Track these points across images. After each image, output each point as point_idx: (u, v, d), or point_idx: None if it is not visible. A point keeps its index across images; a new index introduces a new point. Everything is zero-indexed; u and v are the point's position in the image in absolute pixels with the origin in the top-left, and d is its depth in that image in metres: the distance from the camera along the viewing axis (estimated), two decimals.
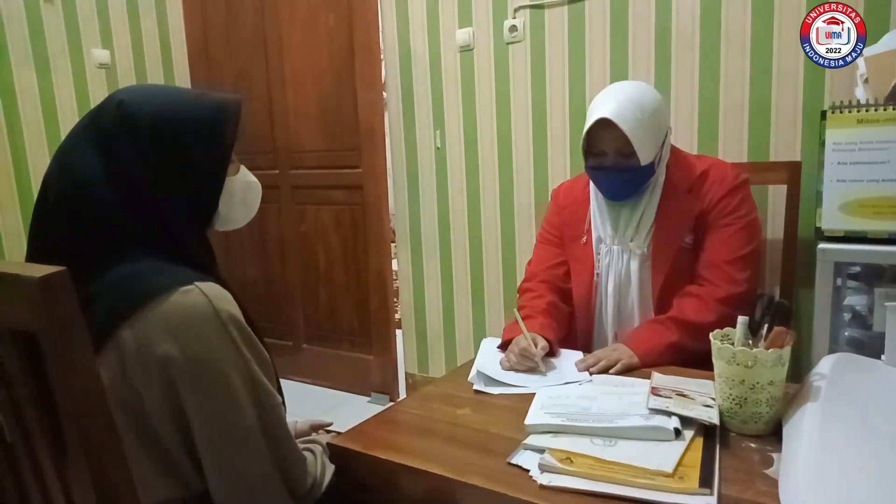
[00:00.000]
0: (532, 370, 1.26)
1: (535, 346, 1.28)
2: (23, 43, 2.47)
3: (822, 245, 1.41)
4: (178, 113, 0.87)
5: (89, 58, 2.69)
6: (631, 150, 1.37)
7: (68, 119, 2.61)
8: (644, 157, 1.37)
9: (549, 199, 1.69)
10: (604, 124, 1.37)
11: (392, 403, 2.37)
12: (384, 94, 2.63)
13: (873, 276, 1.44)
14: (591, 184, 1.53)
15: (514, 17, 2.22)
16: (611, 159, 1.41)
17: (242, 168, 0.99)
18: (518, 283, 1.64)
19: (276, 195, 2.94)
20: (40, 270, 0.61)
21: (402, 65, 2.52)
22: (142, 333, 0.78)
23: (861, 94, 1.48)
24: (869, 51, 1.46)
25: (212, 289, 0.83)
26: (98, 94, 2.70)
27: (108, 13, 2.75)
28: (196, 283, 0.82)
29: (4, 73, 2.42)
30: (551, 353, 1.35)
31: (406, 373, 2.79)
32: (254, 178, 1.01)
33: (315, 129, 2.79)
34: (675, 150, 1.51)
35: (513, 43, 2.24)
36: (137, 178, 0.84)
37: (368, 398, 2.83)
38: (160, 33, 2.97)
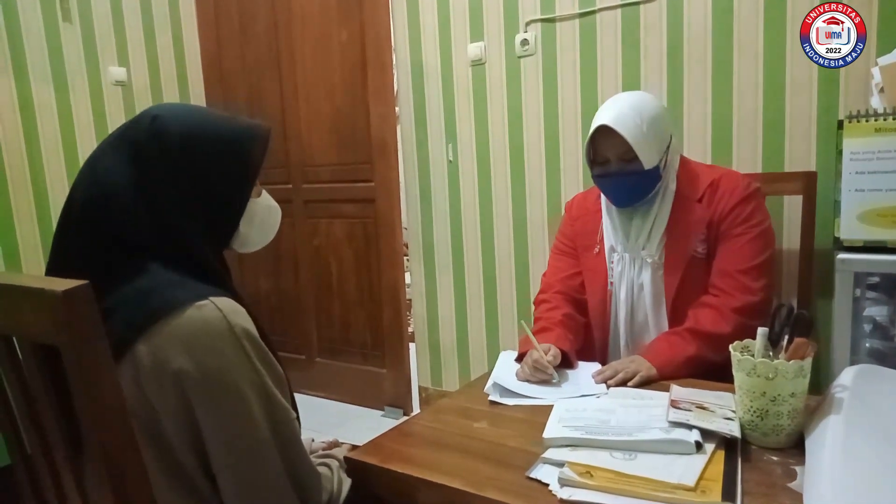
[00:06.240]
0: (546, 382, 1.26)
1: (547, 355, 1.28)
2: (42, 61, 2.51)
3: (840, 255, 1.39)
4: (209, 132, 0.89)
5: (106, 75, 2.73)
6: (633, 155, 1.38)
7: (85, 135, 2.64)
8: (647, 161, 1.38)
9: (563, 211, 1.69)
10: (604, 131, 1.39)
11: (406, 417, 2.36)
12: (396, 108, 2.65)
13: (893, 285, 1.42)
14: (602, 192, 1.54)
15: (526, 31, 2.23)
16: (614, 165, 1.43)
17: (264, 192, 1.01)
18: (532, 296, 1.63)
19: (289, 209, 2.96)
20: (63, 284, 0.62)
21: (414, 79, 2.54)
22: (157, 348, 0.78)
23: (877, 103, 1.48)
24: (883, 60, 1.45)
25: (226, 303, 0.83)
26: (114, 111, 2.74)
27: (124, 32, 2.80)
28: (210, 298, 0.82)
29: (24, 91, 2.46)
30: (568, 365, 1.35)
31: (419, 386, 2.78)
32: (275, 203, 1.03)
33: (328, 144, 2.81)
34: (685, 161, 1.51)
35: (524, 56, 2.26)
36: (163, 192, 0.85)
37: (382, 412, 2.82)
38: (175, 51, 3.01)
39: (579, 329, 1.50)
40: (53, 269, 0.85)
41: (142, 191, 0.84)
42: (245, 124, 0.94)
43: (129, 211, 0.83)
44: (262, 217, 0.99)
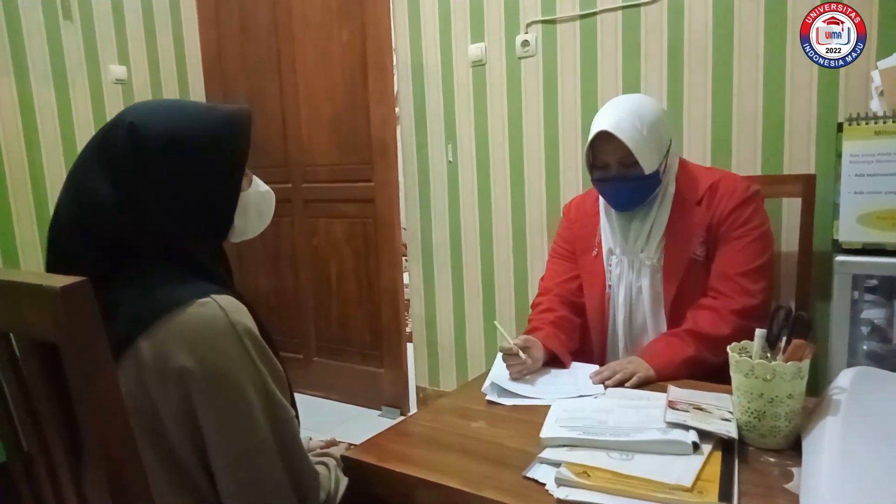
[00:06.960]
0: (526, 368, 1.28)
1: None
2: (42, 59, 2.51)
3: (839, 257, 1.39)
4: (189, 131, 0.86)
5: (106, 74, 2.73)
6: (633, 160, 1.38)
7: (85, 134, 2.64)
8: (647, 166, 1.39)
9: (561, 214, 1.69)
10: (604, 137, 1.39)
11: (403, 417, 2.36)
12: (396, 108, 2.65)
13: (892, 288, 1.43)
14: (601, 196, 1.54)
15: (527, 32, 2.24)
16: (615, 170, 1.43)
17: (255, 179, 0.99)
18: (530, 297, 1.64)
19: (289, 209, 2.96)
20: (62, 281, 0.62)
21: (414, 79, 2.54)
22: (159, 345, 0.78)
23: (876, 106, 1.48)
24: (883, 63, 1.46)
25: (228, 301, 0.83)
26: (114, 110, 2.71)
27: (125, 30, 2.80)
28: (213, 296, 0.82)
29: (24, 89, 2.46)
30: (559, 364, 1.35)
31: (417, 386, 2.78)
32: (266, 188, 1.01)
33: (328, 144, 2.81)
34: (684, 163, 1.51)
35: (525, 57, 2.26)
36: (150, 201, 0.84)
37: (379, 412, 2.82)
38: (176, 50, 3.02)
39: (574, 330, 1.50)
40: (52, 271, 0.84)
41: (129, 205, 0.82)
42: (224, 116, 0.91)
43: (119, 226, 0.82)
44: (257, 206, 0.98)
